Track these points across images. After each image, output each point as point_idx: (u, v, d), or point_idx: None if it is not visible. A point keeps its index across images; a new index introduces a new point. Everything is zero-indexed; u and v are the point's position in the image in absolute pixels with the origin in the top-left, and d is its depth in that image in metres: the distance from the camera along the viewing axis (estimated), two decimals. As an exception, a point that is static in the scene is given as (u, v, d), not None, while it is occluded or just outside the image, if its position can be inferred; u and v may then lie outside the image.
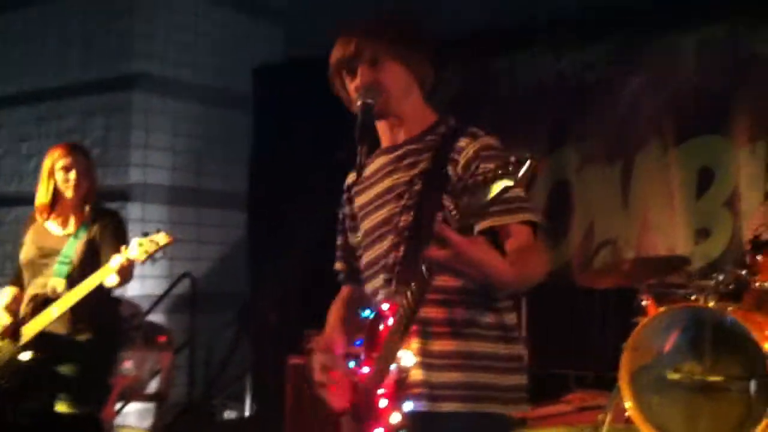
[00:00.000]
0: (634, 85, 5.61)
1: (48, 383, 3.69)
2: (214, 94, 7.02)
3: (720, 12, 5.38)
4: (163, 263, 6.24)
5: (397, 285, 1.99)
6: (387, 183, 2.10)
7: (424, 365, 1.95)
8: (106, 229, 3.81)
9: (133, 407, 5.61)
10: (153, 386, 5.27)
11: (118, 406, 5.06)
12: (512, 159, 1.59)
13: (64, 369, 3.71)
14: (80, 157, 3.88)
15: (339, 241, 2.30)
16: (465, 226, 1.69)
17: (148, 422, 5.48)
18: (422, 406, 1.93)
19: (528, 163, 1.59)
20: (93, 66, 6.73)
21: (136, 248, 3.57)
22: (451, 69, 6.18)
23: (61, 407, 3.68)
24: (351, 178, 2.26)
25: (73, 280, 3.68)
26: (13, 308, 3.81)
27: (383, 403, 1.89)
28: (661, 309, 4.30)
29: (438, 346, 1.97)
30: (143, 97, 6.58)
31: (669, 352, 4.20)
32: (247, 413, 6.34)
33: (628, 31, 5.68)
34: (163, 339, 5.46)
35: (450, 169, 2.00)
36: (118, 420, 5.18)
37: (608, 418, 4.33)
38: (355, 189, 2.21)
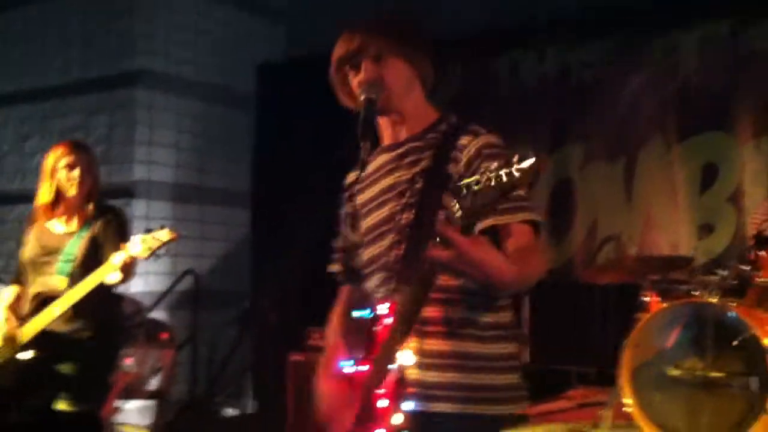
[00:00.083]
0: (635, 83, 5.60)
1: (48, 381, 3.69)
2: (217, 91, 7.02)
3: (721, 9, 5.38)
4: (167, 260, 6.25)
5: (397, 283, 1.98)
6: (389, 181, 2.10)
7: (419, 365, 1.95)
8: (108, 227, 3.81)
9: (134, 404, 5.60)
10: (154, 383, 5.27)
11: (119, 403, 5.05)
12: (515, 158, 1.59)
13: (65, 367, 3.71)
14: (83, 154, 3.88)
15: (337, 242, 2.30)
16: (467, 225, 1.68)
17: (149, 420, 5.48)
18: (416, 406, 1.92)
19: (532, 162, 1.58)
20: (95, 63, 6.73)
21: (138, 245, 3.57)
22: (452, 68, 6.19)
23: (61, 405, 3.68)
24: (351, 176, 2.26)
25: (75, 278, 3.68)
26: (15, 307, 3.82)
27: (383, 403, 1.88)
28: (663, 305, 4.29)
29: (433, 345, 1.96)
30: (146, 94, 6.58)
31: (670, 348, 4.19)
32: (248, 410, 6.35)
33: (629, 29, 5.67)
34: (164, 336, 5.46)
35: (451, 167, 1.99)
36: (119, 417, 5.17)
37: (609, 415, 4.33)
38: (357, 187, 2.20)
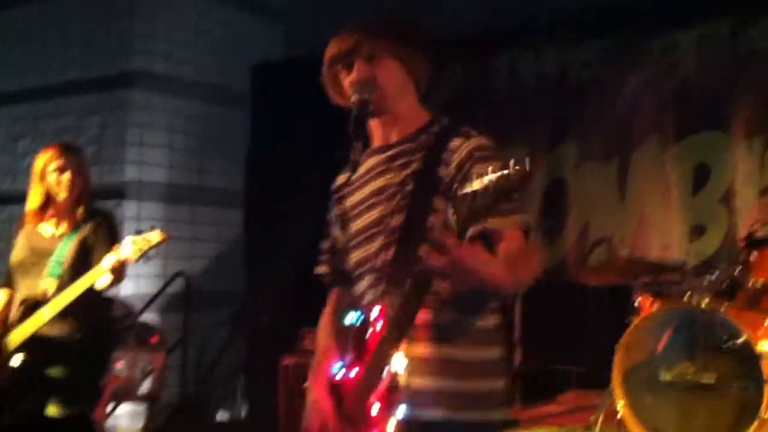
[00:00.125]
0: (632, 83, 5.60)
1: (39, 385, 3.67)
2: (212, 92, 7.00)
3: (720, 9, 5.38)
4: (158, 262, 6.23)
5: (387, 286, 1.97)
6: (379, 183, 2.08)
7: (407, 370, 1.93)
8: (98, 230, 3.79)
9: (125, 408, 5.59)
10: (145, 387, 5.25)
11: (109, 407, 5.04)
12: (511, 162, 1.58)
13: (55, 370, 3.69)
14: (73, 157, 3.86)
15: (325, 244, 2.28)
16: (463, 231, 1.68)
17: (140, 423, 5.46)
18: (407, 411, 1.91)
19: (526, 165, 1.58)
20: (91, 64, 6.71)
21: (129, 247, 3.55)
22: (450, 68, 6.18)
23: (51, 409, 3.66)
24: (341, 178, 2.24)
25: (64, 282, 3.67)
26: (4, 311, 3.80)
27: (375, 408, 1.87)
28: (655, 308, 4.29)
29: (421, 350, 1.95)
30: (141, 95, 6.56)
31: (662, 351, 4.18)
32: (240, 413, 6.33)
33: (628, 29, 5.67)
34: (155, 339, 5.45)
35: (442, 170, 1.98)
36: (110, 421, 5.16)
37: (600, 419, 4.32)
38: (346, 189, 2.18)
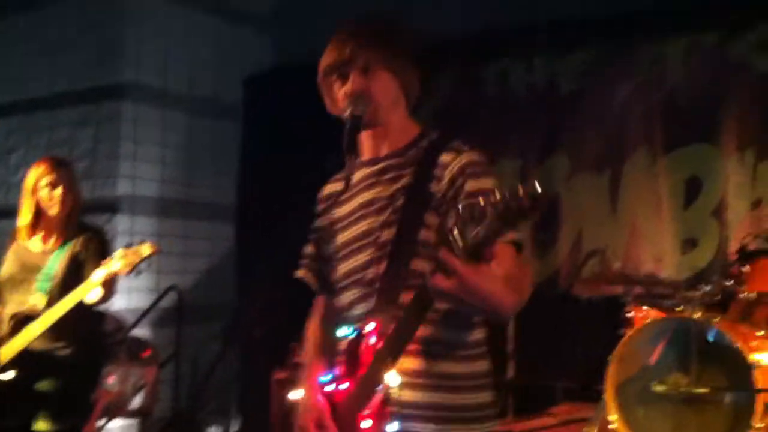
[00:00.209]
0: (622, 94, 5.61)
1: (28, 399, 3.66)
2: (204, 104, 6.99)
3: (707, 20, 5.39)
4: (150, 276, 6.22)
5: (380, 301, 1.97)
6: (367, 196, 2.08)
7: (399, 384, 1.93)
8: (89, 245, 3.79)
9: (117, 423, 5.56)
10: (137, 402, 5.22)
11: (101, 422, 5.01)
12: (521, 189, 1.57)
13: (44, 385, 3.68)
14: (65, 172, 3.85)
15: (309, 249, 2.25)
16: (471, 253, 1.67)
17: (131, 439, 5.44)
18: (396, 426, 1.90)
19: (540, 191, 1.57)
20: (82, 76, 6.69)
21: (119, 260, 3.55)
22: (442, 76, 6.19)
23: (41, 424, 3.64)
24: (328, 188, 2.24)
25: (54, 297, 3.66)
26: None
27: (366, 424, 1.86)
28: (647, 321, 4.29)
29: (409, 364, 1.94)
30: (133, 108, 6.55)
31: (655, 363, 4.18)
32: (232, 428, 6.30)
33: (616, 39, 5.68)
34: (147, 353, 5.42)
35: (434, 185, 1.98)
36: (102, 437, 5.13)
37: (594, 431, 4.31)
38: (334, 200, 2.17)
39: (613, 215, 5.66)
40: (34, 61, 6.98)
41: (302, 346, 2.27)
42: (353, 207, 2.10)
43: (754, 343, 4.05)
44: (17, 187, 4.37)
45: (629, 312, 4.44)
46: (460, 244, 1.66)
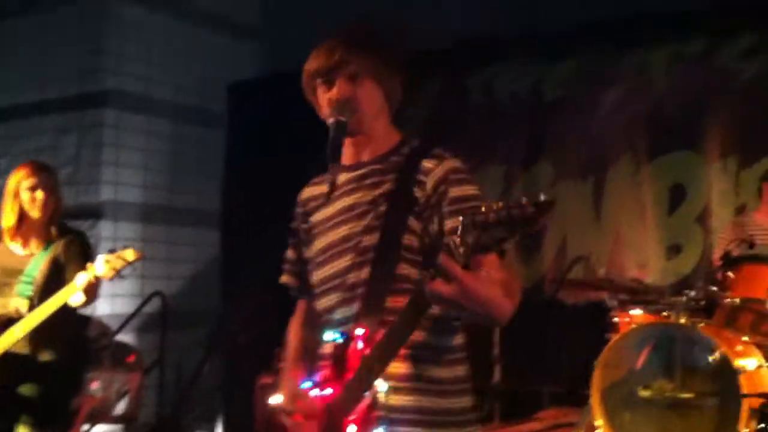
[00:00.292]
0: (607, 102, 5.64)
1: (9, 404, 3.62)
2: (188, 111, 6.98)
3: (691, 28, 5.44)
4: (135, 282, 6.20)
5: (363, 306, 1.96)
6: (348, 201, 2.07)
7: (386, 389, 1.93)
8: (71, 248, 3.78)
9: (101, 429, 5.53)
10: (121, 407, 5.19)
11: (85, 428, 4.97)
12: (525, 198, 1.57)
13: (26, 390, 3.65)
14: (46, 176, 3.84)
15: (290, 254, 2.24)
16: (468, 260, 1.67)
17: (116, 445, 5.41)
18: (380, 431, 1.90)
19: (546, 199, 1.57)
20: (65, 83, 6.68)
21: (102, 265, 3.53)
22: (428, 84, 6.20)
23: (22, 429, 3.61)
24: (307, 192, 2.23)
25: (36, 300, 3.63)
26: None
27: (352, 429, 1.86)
28: (633, 326, 4.30)
29: (396, 368, 1.94)
30: (116, 114, 6.54)
31: (640, 369, 4.18)
32: (217, 433, 6.27)
33: (601, 47, 5.71)
34: (131, 359, 5.39)
35: (417, 191, 1.98)
36: (85, 442, 5.10)
37: (580, 436, 4.32)
38: (314, 203, 2.16)
39: (597, 222, 5.69)
40: (17, 69, 6.95)
41: (284, 350, 2.26)
42: (333, 211, 2.10)
43: (739, 348, 4.06)
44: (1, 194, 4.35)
45: (615, 317, 4.44)
46: (461, 250, 1.66)
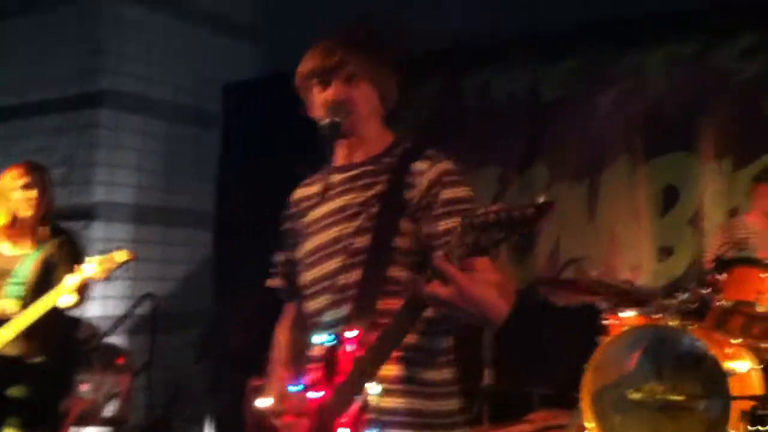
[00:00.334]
0: (603, 103, 5.64)
1: (-2, 406, 3.62)
2: (182, 112, 6.97)
3: (687, 29, 5.44)
4: (127, 283, 6.18)
5: (354, 309, 1.95)
6: (339, 202, 2.07)
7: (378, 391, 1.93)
8: (62, 249, 3.77)
9: (91, 432, 5.53)
10: (111, 410, 5.17)
11: (74, 430, 4.95)
12: (530, 205, 1.57)
13: (15, 391, 3.63)
14: (39, 175, 3.83)
15: (280, 257, 2.24)
16: (466, 261, 1.68)
17: (106, 447, 5.38)
18: None
19: (545, 201, 1.57)
20: (63, 83, 6.65)
21: (93, 266, 3.52)
22: (425, 86, 6.20)
23: (10, 431, 3.60)
24: (298, 193, 2.22)
25: (26, 301, 3.62)
26: None
27: (343, 431, 1.85)
28: (624, 328, 4.30)
29: (388, 371, 1.93)
30: (111, 115, 6.52)
31: (631, 371, 4.18)
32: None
33: (597, 49, 5.72)
34: (121, 361, 5.37)
35: (409, 193, 1.98)
36: (75, 444, 5.08)
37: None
38: (305, 204, 2.16)
39: (592, 224, 5.69)
40: (15, 69, 6.93)
41: (271, 353, 2.26)
42: (324, 212, 2.09)
43: (729, 351, 4.07)
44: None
45: (606, 319, 4.44)
46: (460, 251, 1.66)
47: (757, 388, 4.02)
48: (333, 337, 1.95)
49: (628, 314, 4.41)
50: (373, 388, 1.86)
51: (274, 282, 2.25)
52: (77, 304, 3.61)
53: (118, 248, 3.64)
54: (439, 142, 2.13)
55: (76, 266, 3.56)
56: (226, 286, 6.78)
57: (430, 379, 1.98)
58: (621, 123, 5.57)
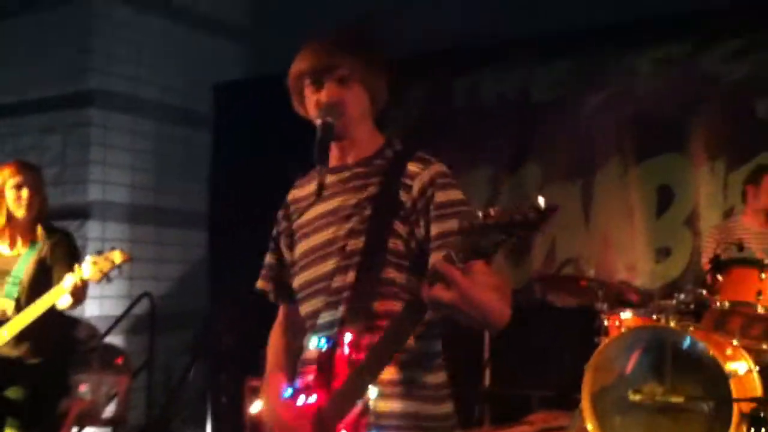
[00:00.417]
0: (594, 105, 5.65)
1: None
2: (175, 112, 6.95)
3: (677, 32, 5.46)
4: (123, 283, 6.16)
5: (349, 311, 1.94)
6: (332, 204, 2.05)
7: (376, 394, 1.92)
8: (57, 249, 3.75)
9: (90, 432, 5.52)
10: (110, 410, 5.16)
11: (73, 431, 4.94)
12: (533, 208, 1.57)
13: (13, 392, 3.62)
14: (31, 174, 3.82)
15: (269, 259, 2.22)
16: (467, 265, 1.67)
17: (105, 447, 5.37)
18: None
19: (548, 204, 1.57)
20: (52, 83, 6.63)
21: (89, 267, 3.51)
22: (414, 88, 6.19)
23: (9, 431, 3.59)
24: (292, 194, 2.21)
25: (22, 302, 3.60)
26: None
27: None
28: (623, 329, 4.29)
29: (383, 374, 1.91)
30: (101, 114, 6.50)
31: (630, 372, 4.18)
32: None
33: (587, 51, 5.73)
34: (119, 361, 5.36)
35: (402, 195, 1.97)
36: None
37: (570, 439, 4.31)
38: (298, 206, 2.15)
39: (586, 224, 5.69)
40: (5, 69, 6.90)
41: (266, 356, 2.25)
42: (316, 214, 2.08)
43: (728, 352, 4.07)
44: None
45: (604, 321, 4.44)
46: (460, 254, 1.66)
47: (757, 390, 4.02)
48: (327, 340, 1.94)
49: (627, 315, 4.40)
50: (371, 392, 1.85)
51: (261, 284, 2.23)
52: (74, 305, 3.60)
53: (114, 249, 3.62)
54: (429, 144, 2.13)
55: (73, 266, 3.54)
56: (221, 286, 6.77)
57: (425, 382, 1.97)
58: (612, 124, 5.58)
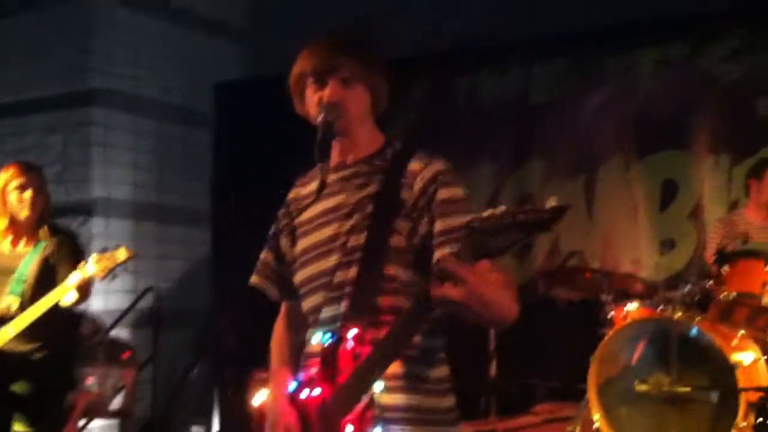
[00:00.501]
0: (594, 103, 5.65)
1: (3, 402, 3.61)
2: (177, 111, 6.97)
3: (677, 29, 5.48)
4: (128, 278, 6.18)
5: (351, 306, 1.95)
6: (333, 201, 2.06)
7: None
8: (62, 247, 3.76)
9: (97, 424, 5.55)
10: (116, 403, 5.19)
11: (81, 423, 4.97)
12: (546, 208, 1.57)
13: (20, 387, 3.64)
14: (34, 175, 3.83)
15: (267, 256, 2.23)
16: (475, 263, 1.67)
17: (111, 439, 5.41)
18: (378, 430, 1.89)
19: (559, 204, 1.56)
20: (52, 82, 6.62)
21: (94, 265, 3.51)
22: (415, 87, 6.20)
23: (17, 427, 3.60)
24: (294, 192, 2.22)
25: (27, 299, 3.62)
26: None
27: (349, 429, 1.85)
28: (628, 321, 4.30)
29: (390, 369, 1.92)
30: (103, 113, 6.51)
31: (636, 363, 4.18)
32: (213, 428, 6.27)
33: (587, 49, 5.74)
34: (126, 355, 5.39)
35: (404, 193, 1.98)
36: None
37: (577, 430, 4.32)
38: (300, 204, 2.15)
39: (590, 219, 5.70)
40: (6, 68, 6.90)
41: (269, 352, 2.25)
42: (318, 212, 2.09)
43: (734, 343, 4.07)
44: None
45: (610, 312, 4.44)
46: (470, 253, 1.66)
47: (763, 380, 4.03)
48: (331, 334, 1.95)
49: (633, 306, 4.41)
50: (376, 386, 1.86)
51: (254, 280, 2.24)
52: (79, 302, 3.61)
53: (118, 246, 3.63)
54: (429, 144, 2.13)
55: (77, 264, 3.55)
56: (224, 283, 6.78)
57: (428, 376, 1.98)
58: (612, 125, 5.57)
